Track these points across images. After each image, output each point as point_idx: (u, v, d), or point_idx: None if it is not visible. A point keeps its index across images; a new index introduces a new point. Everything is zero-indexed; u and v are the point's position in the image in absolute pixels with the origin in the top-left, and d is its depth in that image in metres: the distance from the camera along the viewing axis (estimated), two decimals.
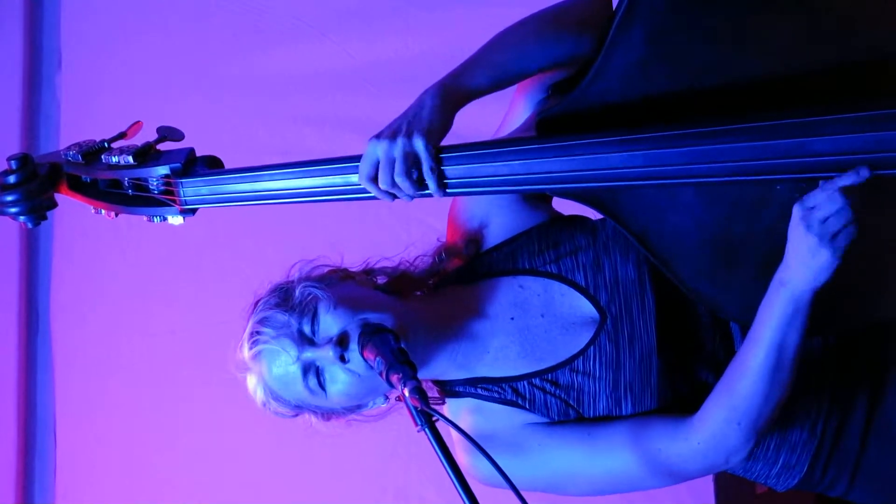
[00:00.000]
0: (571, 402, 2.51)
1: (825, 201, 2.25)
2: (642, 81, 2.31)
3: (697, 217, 2.37)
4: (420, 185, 2.34)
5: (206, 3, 4.55)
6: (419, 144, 2.30)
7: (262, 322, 2.46)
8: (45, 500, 4.61)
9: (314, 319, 2.44)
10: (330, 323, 2.42)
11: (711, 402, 2.42)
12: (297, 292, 2.46)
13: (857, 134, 2.22)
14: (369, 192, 2.37)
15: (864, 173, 2.23)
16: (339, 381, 2.43)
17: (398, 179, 2.31)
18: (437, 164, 2.32)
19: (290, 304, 2.46)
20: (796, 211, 2.28)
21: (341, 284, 2.51)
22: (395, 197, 2.36)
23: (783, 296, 2.33)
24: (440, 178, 2.33)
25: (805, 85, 2.29)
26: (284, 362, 2.45)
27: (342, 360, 2.40)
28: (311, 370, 2.44)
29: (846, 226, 2.25)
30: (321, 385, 2.44)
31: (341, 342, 2.40)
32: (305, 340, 2.43)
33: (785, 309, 2.33)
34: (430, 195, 2.37)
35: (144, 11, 4.61)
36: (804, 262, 2.29)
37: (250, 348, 2.47)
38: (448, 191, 2.36)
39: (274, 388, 2.49)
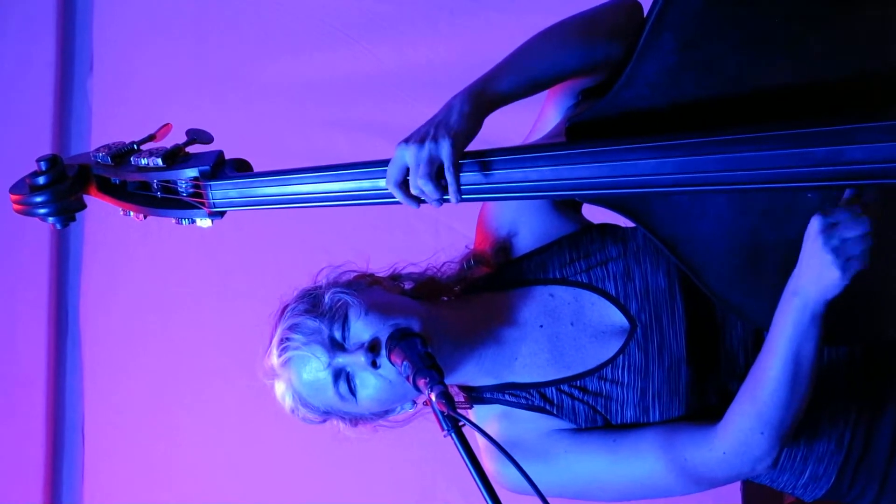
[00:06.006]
0: (599, 409, 2.51)
1: (850, 220, 2.24)
2: (673, 88, 2.31)
3: (727, 225, 2.36)
4: (445, 189, 2.33)
5: (237, 7, 4.57)
6: (445, 149, 2.29)
7: (291, 328, 2.46)
8: (73, 500, 4.63)
9: (344, 325, 2.43)
10: (361, 329, 2.42)
11: (734, 411, 2.41)
12: (327, 298, 2.46)
13: (893, 142, 2.21)
14: (397, 197, 2.36)
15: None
16: (370, 386, 2.43)
17: (421, 183, 2.31)
18: (458, 168, 2.31)
19: (319, 310, 2.46)
20: (816, 223, 2.27)
21: (369, 290, 2.50)
22: (421, 202, 2.36)
23: (796, 305, 2.32)
24: (459, 182, 2.32)
25: (836, 94, 2.28)
26: (315, 368, 2.44)
27: (374, 365, 2.40)
28: (342, 376, 2.44)
29: (864, 252, 2.25)
30: (352, 391, 2.44)
31: (373, 348, 2.40)
32: (336, 346, 2.43)
33: (799, 318, 2.32)
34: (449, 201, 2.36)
35: (175, 15, 4.63)
36: (815, 275, 2.29)
37: (279, 355, 2.46)
38: (475, 196, 2.36)
39: (303, 395, 2.48)
